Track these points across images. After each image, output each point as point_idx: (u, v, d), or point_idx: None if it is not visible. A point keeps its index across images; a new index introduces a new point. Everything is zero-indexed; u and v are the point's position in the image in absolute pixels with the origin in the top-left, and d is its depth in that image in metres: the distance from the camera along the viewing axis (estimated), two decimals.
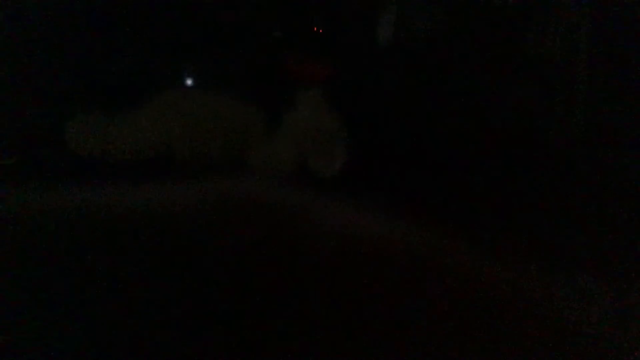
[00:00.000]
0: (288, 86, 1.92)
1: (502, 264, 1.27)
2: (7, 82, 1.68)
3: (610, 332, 1.09)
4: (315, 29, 2.16)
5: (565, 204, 1.68)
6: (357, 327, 1.06)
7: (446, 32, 2.23)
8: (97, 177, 1.53)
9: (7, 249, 1.20)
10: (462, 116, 2.12)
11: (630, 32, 2.07)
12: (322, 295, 1.14)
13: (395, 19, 2.23)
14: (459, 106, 2.14)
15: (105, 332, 1.00)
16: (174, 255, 1.20)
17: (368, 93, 2.09)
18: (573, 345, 1.05)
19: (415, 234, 1.41)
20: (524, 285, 1.20)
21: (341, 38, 2.14)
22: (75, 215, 1.32)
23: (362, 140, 1.80)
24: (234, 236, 1.30)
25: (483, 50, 2.24)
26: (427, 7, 2.27)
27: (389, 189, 1.69)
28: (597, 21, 2.12)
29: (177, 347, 0.97)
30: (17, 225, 1.27)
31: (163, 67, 1.94)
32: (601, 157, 1.99)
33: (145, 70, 1.91)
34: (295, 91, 1.80)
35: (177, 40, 1.94)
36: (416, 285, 1.20)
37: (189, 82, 1.98)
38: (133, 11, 1.90)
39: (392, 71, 2.19)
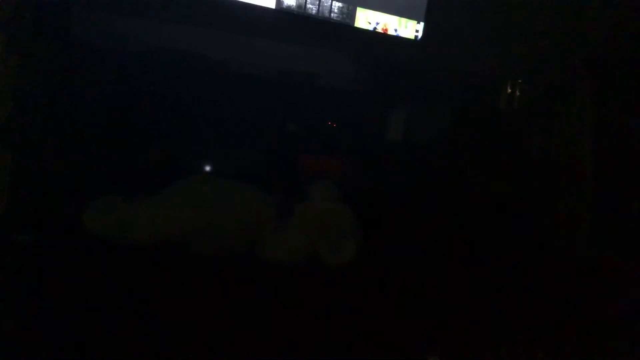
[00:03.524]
0: (301, 178, 2.01)
1: None
2: (28, 160, 1.75)
3: None
4: (329, 123, 2.27)
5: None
6: None
7: (455, 132, 2.34)
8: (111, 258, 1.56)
9: None
10: (469, 213, 2.20)
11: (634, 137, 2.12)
12: None
13: (406, 118, 2.33)
14: (466, 203, 2.23)
15: None
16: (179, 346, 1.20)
17: (379, 187, 2.18)
18: None
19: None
20: None
21: (354, 133, 2.25)
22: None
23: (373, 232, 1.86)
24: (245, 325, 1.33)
25: (489, 150, 2.33)
26: (436, 109, 2.38)
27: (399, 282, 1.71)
28: (601, 125, 2.18)
29: None
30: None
31: (180, 155, 2.04)
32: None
33: (163, 158, 2.01)
34: (308, 183, 1.88)
35: (194, 129, 2.04)
36: None
37: (205, 171, 2.08)
38: (153, 100, 2.01)
39: (402, 167, 2.29)
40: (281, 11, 2.14)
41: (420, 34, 2.37)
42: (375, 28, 2.30)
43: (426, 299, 1.60)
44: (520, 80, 2.48)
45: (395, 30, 2.34)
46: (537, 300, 1.72)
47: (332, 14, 2.22)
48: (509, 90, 2.50)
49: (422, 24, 2.37)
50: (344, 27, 2.25)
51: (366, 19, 2.28)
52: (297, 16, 2.17)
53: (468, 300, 1.65)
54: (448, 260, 1.95)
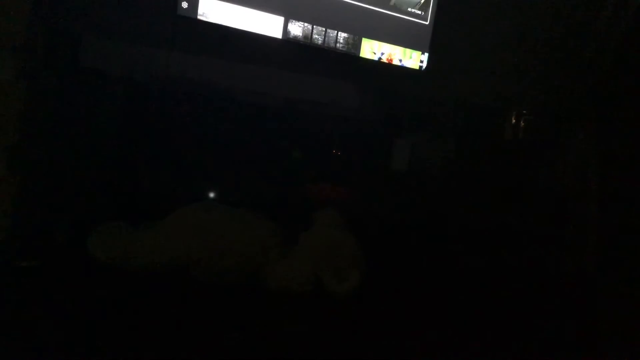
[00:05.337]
0: (305, 206, 2.01)
1: None
2: (34, 185, 1.76)
3: None
4: (334, 151, 2.28)
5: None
6: None
7: (459, 161, 2.35)
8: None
9: None
10: (474, 242, 2.19)
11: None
12: None
13: (411, 147, 2.35)
14: (470, 232, 2.22)
15: None
16: None
17: (383, 216, 2.18)
18: None
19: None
20: None
21: (358, 161, 2.26)
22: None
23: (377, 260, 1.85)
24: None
25: (493, 180, 2.34)
26: (440, 138, 2.40)
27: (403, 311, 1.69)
28: (607, 157, 2.19)
29: None
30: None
31: (184, 182, 2.04)
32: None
33: (167, 184, 2.01)
34: (312, 211, 1.87)
35: (199, 156, 2.06)
36: None
37: (209, 198, 2.09)
38: (159, 127, 2.02)
39: (407, 196, 2.29)
40: (288, 41, 2.17)
41: (424, 65, 2.39)
42: (380, 58, 2.33)
43: (431, 329, 1.59)
44: (524, 110, 2.50)
45: (400, 60, 2.37)
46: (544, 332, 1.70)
47: (338, 44, 2.24)
48: (513, 120, 2.52)
49: (426, 54, 2.40)
50: (349, 57, 2.28)
51: (371, 49, 2.31)
52: (303, 46, 2.20)
53: (473, 330, 1.63)
54: (453, 289, 1.93)
